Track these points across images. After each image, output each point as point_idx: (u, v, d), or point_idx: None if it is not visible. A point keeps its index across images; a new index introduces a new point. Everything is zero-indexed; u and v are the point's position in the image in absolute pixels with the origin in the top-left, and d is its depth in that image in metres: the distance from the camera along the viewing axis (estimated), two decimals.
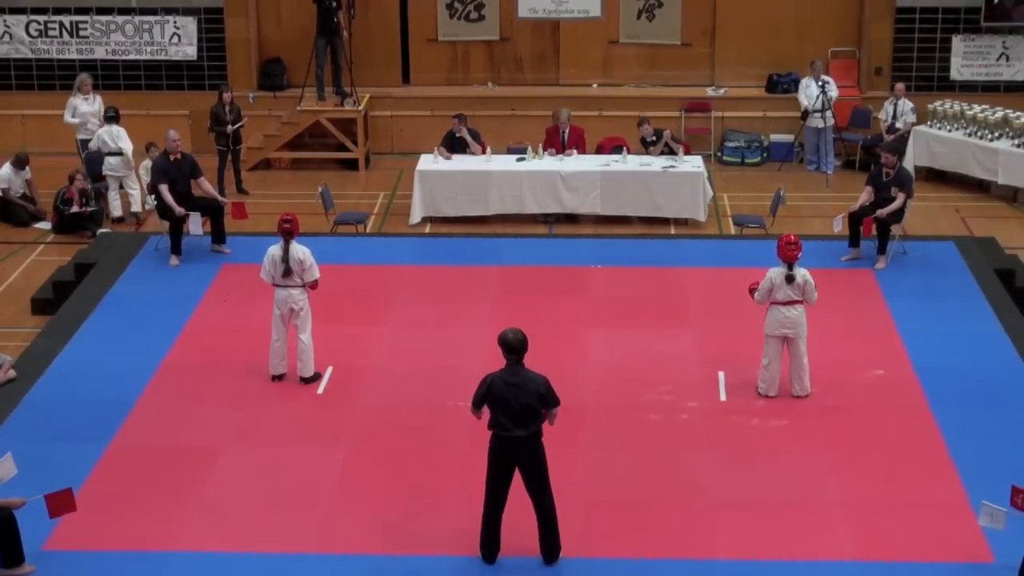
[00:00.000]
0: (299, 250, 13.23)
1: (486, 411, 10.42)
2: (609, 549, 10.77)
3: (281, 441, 12.50)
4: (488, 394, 10.31)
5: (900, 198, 15.95)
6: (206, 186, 16.70)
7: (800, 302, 12.92)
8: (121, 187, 18.84)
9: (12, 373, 13.50)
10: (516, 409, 10.22)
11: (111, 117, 18.87)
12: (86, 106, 19.31)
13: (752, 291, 13.10)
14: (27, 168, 18.97)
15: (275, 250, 13.29)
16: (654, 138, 18.94)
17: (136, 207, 18.74)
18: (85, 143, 19.17)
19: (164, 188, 16.28)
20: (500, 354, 10.38)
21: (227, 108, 19.46)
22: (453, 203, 18.53)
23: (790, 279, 12.82)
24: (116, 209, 18.76)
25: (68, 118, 19.34)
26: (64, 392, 13.33)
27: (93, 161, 19.17)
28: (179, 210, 16.20)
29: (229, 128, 19.39)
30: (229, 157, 19.61)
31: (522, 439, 10.27)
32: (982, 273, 15.84)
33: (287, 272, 13.22)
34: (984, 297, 15.25)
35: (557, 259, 16.61)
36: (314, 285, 13.37)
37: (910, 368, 13.73)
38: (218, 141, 19.56)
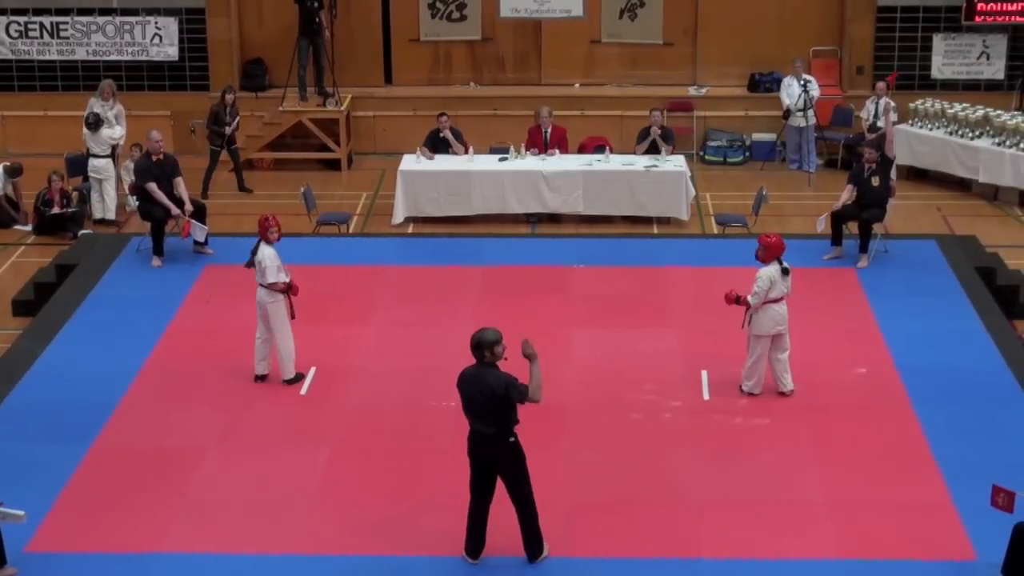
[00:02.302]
0: (262, 252, 13.24)
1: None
2: (592, 549, 10.77)
3: (264, 442, 12.48)
4: (458, 385, 10.38)
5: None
6: (181, 188, 16.63)
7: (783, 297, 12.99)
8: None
9: None
10: (475, 404, 10.23)
11: (91, 124, 18.71)
12: (102, 111, 19.24)
13: (732, 300, 13.02)
14: (19, 177, 18.93)
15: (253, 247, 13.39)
16: (660, 132, 18.86)
17: (110, 215, 18.62)
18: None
19: (153, 186, 16.28)
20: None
21: (228, 109, 19.46)
22: (436, 203, 18.52)
23: (786, 272, 12.88)
24: (98, 211, 18.69)
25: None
26: (46, 393, 13.29)
27: (72, 162, 19.13)
28: (174, 209, 16.22)
29: (227, 130, 19.41)
30: (220, 158, 19.63)
31: (489, 437, 10.24)
32: (963, 271, 15.90)
33: (248, 265, 13.32)
34: (965, 295, 15.30)
35: (540, 259, 16.62)
36: (286, 288, 13.29)
37: (892, 366, 13.77)
38: (213, 141, 19.56)
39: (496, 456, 10.31)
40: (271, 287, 13.24)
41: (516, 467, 10.36)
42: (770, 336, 12.98)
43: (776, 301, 12.92)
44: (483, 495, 10.46)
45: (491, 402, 10.16)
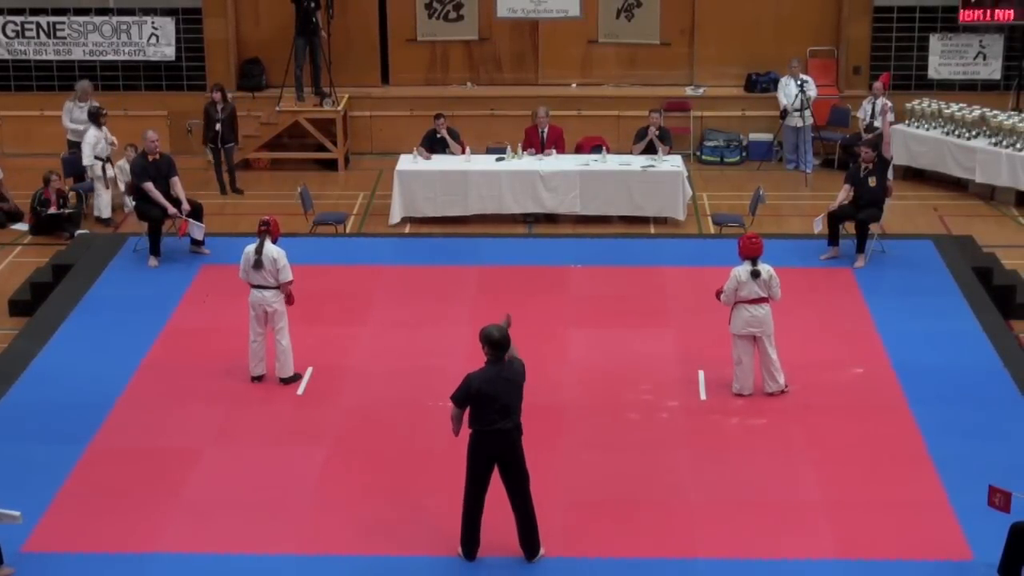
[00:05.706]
0: (274, 250, 13.23)
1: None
2: (589, 548, 10.77)
3: (261, 442, 12.48)
4: (476, 393, 10.24)
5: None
6: (178, 187, 16.61)
7: (766, 300, 12.93)
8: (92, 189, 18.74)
9: None
10: (506, 403, 10.24)
11: (94, 114, 18.68)
12: (79, 112, 19.25)
13: (719, 295, 13.09)
14: None
15: (251, 247, 13.30)
16: (657, 133, 18.88)
17: (105, 213, 18.58)
18: (74, 145, 19.14)
19: (150, 185, 16.26)
20: (480, 353, 10.37)
21: (218, 107, 19.45)
22: (433, 203, 18.52)
23: (756, 274, 12.83)
24: (94, 210, 18.67)
25: (65, 122, 19.32)
26: (42, 394, 13.28)
27: (69, 162, 19.11)
28: (171, 208, 16.21)
29: (217, 127, 19.41)
30: (222, 156, 19.66)
31: (507, 432, 10.28)
32: (960, 271, 15.91)
33: (257, 265, 13.19)
34: (962, 295, 15.31)
35: (537, 259, 16.62)
36: (289, 293, 13.32)
37: (889, 366, 13.78)
38: (208, 140, 19.59)
39: (510, 451, 10.33)
40: (284, 286, 13.24)
41: (522, 460, 10.40)
42: (744, 337, 12.96)
43: (749, 303, 12.89)
44: (482, 494, 10.46)
45: (520, 393, 10.31)
